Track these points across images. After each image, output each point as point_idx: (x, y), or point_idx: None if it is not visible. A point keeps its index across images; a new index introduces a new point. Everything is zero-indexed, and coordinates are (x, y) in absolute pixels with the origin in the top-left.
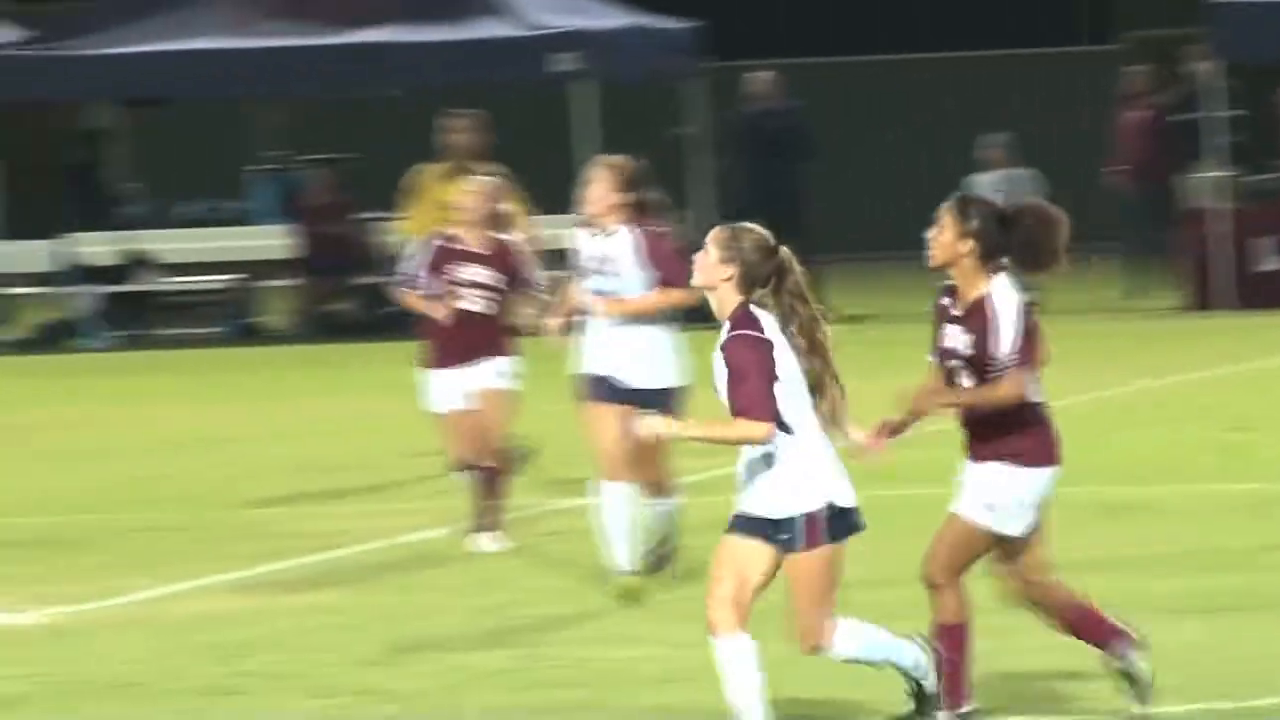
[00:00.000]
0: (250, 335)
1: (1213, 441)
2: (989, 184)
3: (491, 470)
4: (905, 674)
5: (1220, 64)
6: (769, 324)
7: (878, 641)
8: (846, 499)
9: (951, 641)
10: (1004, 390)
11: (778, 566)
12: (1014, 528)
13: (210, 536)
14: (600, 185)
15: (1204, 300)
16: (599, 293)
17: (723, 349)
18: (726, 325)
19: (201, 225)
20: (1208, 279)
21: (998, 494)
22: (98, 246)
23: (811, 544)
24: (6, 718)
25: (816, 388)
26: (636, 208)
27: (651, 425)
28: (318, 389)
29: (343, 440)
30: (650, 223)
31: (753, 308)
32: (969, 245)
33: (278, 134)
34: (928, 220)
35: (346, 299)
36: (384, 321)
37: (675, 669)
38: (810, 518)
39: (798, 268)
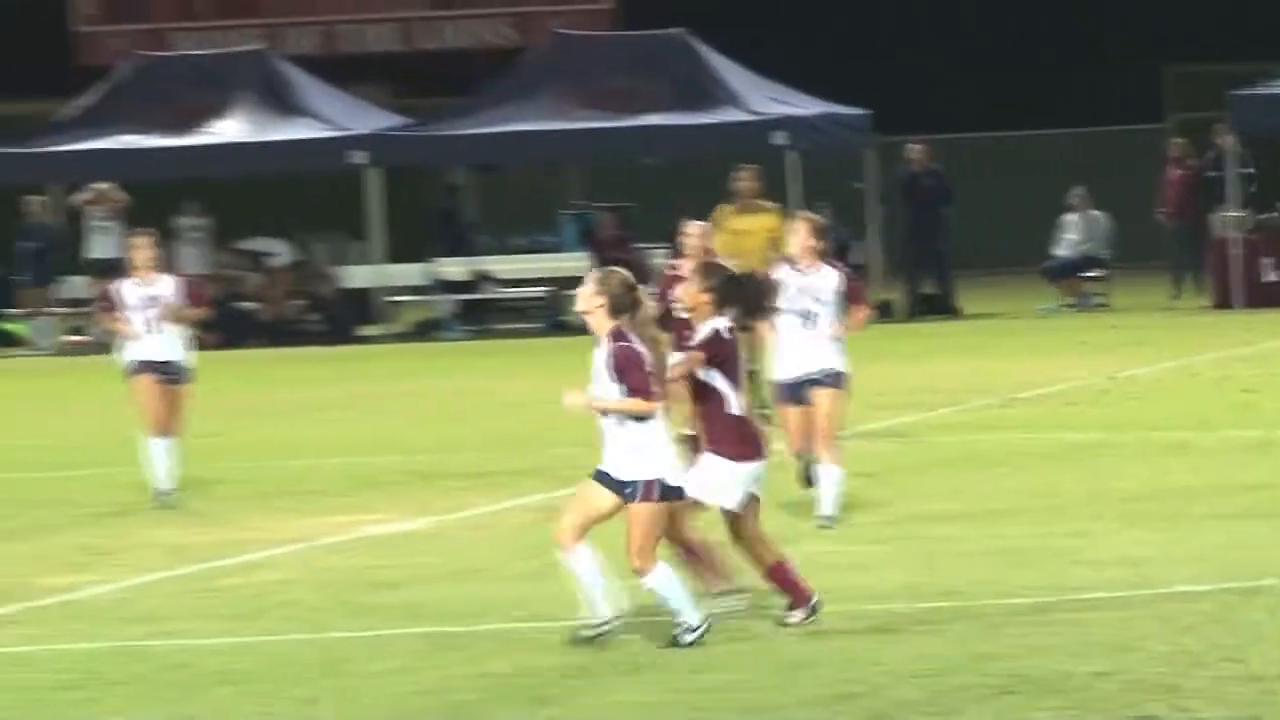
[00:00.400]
0: (560, 329)
1: (1231, 400)
2: (1073, 222)
3: None
4: (676, 621)
5: (1239, 137)
6: (635, 340)
7: (678, 592)
8: (674, 478)
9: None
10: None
11: (617, 511)
12: (728, 502)
13: (526, 470)
14: (801, 234)
15: (1225, 302)
16: (799, 314)
17: (612, 355)
18: (607, 340)
19: (525, 253)
20: (1228, 287)
21: (714, 477)
22: (454, 267)
23: (646, 499)
24: (390, 598)
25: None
26: (826, 251)
27: (574, 400)
28: None
29: None
30: (838, 263)
31: (623, 328)
32: (707, 297)
33: (579, 188)
34: (1036, 248)
35: None
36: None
37: (858, 561)
38: (648, 483)
39: (649, 301)
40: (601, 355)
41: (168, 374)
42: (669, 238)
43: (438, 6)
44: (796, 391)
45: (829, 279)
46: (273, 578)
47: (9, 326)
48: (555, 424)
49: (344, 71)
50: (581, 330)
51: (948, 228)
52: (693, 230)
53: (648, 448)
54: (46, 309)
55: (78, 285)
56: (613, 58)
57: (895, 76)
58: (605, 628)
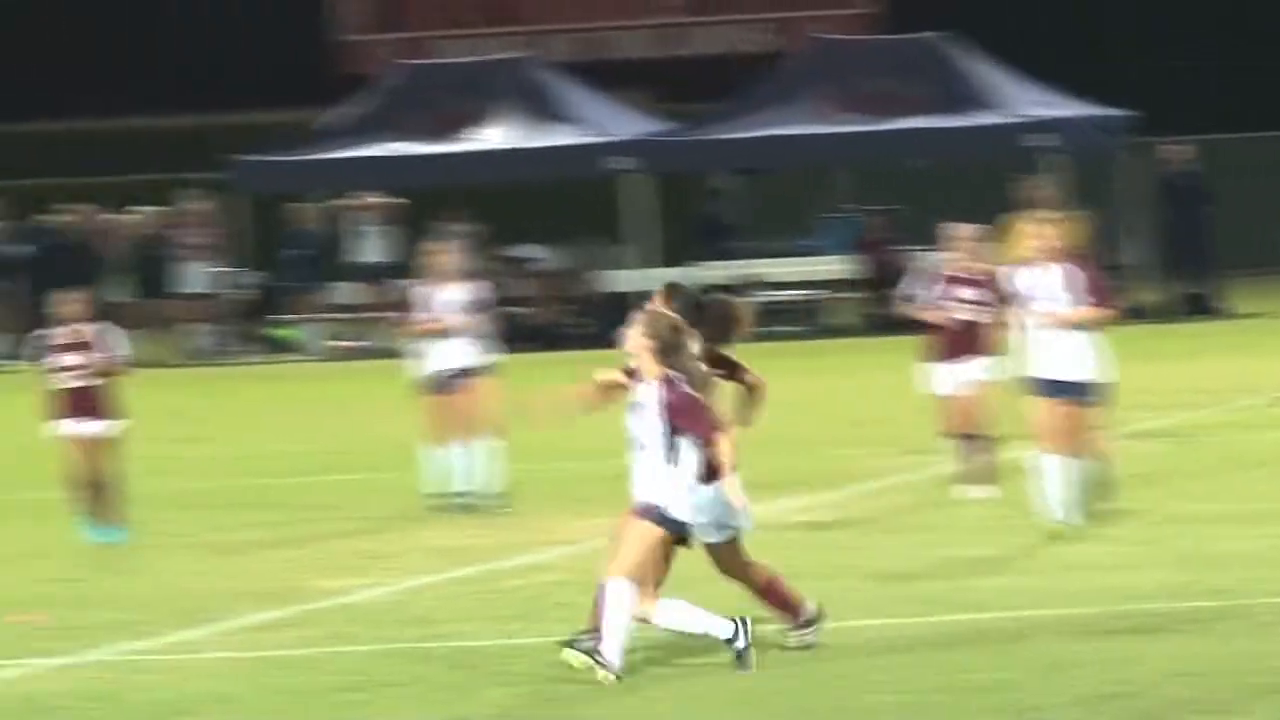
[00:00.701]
0: (824, 333)
1: None
2: None
3: (978, 439)
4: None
5: None
6: (685, 383)
7: (621, 616)
8: (679, 513)
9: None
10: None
11: (669, 548)
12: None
13: (792, 472)
14: (1043, 234)
15: None
16: (1042, 311)
17: (667, 398)
18: (660, 382)
19: (788, 256)
20: None
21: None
22: (718, 270)
23: (640, 516)
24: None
25: None
26: (1067, 249)
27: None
28: (874, 367)
29: (887, 403)
30: (1078, 259)
31: (671, 372)
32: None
33: (842, 191)
34: None
35: (895, 306)
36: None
37: (1122, 561)
38: (648, 505)
39: (696, 341)
40: (650, 395)
41: (465, 377)
42: (934, 240)
43: (695, 12)
44: (1047, 385)
45: (1060, 276)
46: (550, 579)
47: (280, 332)
48: (822, 427)
49: (600, 77)
50: (843, 334)
51: (1209, 228)
52: (964, 233)
53: (664, 478)
54: (316, 314)
55: (346, 291)
56: (872, 62)
57: (1157, 76)
58: (741, 633)
